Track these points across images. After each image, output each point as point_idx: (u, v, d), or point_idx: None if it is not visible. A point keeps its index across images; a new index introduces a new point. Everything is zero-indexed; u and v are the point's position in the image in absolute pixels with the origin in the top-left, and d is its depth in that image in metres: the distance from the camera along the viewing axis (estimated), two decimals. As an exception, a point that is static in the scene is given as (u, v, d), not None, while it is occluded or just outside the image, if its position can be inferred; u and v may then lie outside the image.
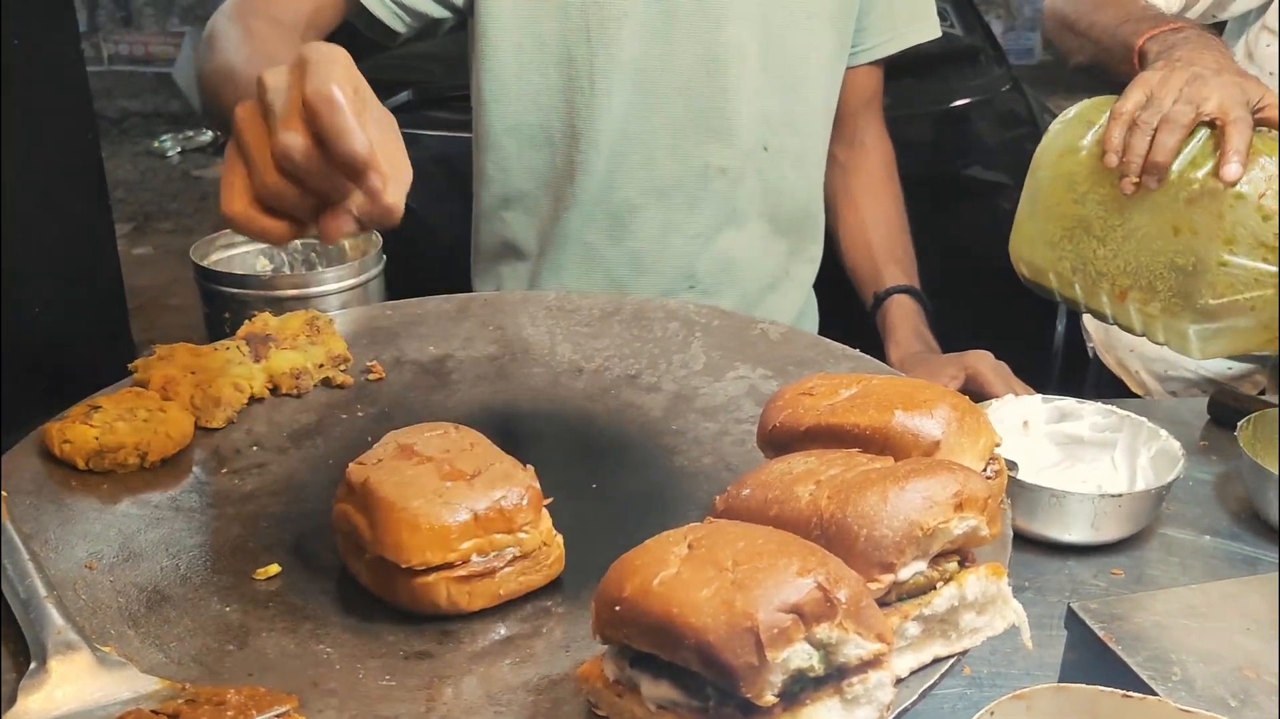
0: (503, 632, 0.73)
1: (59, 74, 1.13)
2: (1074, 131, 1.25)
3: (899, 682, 0.62)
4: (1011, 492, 1.09)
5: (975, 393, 1.29)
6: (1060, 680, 0.89)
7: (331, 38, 1.16)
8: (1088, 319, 1.75)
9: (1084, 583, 1.06)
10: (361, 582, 0.76)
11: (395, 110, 2.58)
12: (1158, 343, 1.21)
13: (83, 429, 0.88)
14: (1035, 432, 1.23)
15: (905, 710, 0.60)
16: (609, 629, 0.60)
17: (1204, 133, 1.15)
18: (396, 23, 1.22)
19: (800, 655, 0.55)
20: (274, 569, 0.79)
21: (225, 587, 0.77)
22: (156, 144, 6.51)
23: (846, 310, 1.52)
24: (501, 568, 0.73)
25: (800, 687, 0.56)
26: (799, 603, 0.54)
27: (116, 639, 0.70)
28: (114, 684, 0.63)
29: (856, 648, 0.56)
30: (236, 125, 0.69)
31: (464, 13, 1.27)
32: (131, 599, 0.74)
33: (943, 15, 3.14)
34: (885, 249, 1.49)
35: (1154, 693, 0.78)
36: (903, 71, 2.84)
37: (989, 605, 0.65)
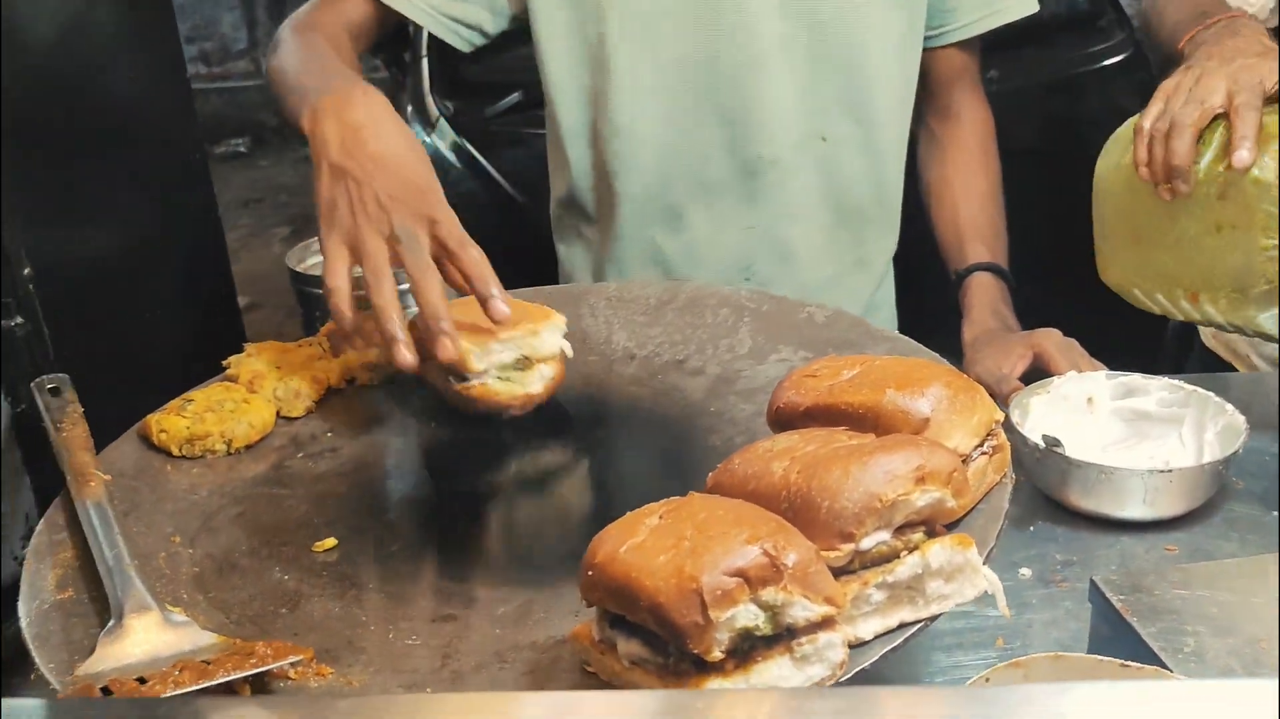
0: (525, 597, 0.80)
1: (168, 104, 1.26)
2: (1117, 151, 1.26)
3: (863, 644, 0.65)
4: (1060, 470, 1.10)
5: (1042, 371, 1.28)
6: (1089, 652, 0.90)
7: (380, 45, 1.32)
8: None
9: (1134, 558, 1.06)
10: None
11: (506, 112, 2.70)
12: (1247, 334, 1.20)
13: (176, 420, 1.00)
14: (1100, 408, 1.22)
15: (862, 670, 0.64)
16: (588, 592, 0.66)
17: (1222, 126, 1.14)
18: (459, 41, 1.30)
19: (746, 615, 0.59)
20: (331, 543, 0.88)
21: (287, 558, 0.86)
22: (313, 150, 6.86)
23: (937, 288, 1.52)
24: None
25: (751, 645, 0.61)
26: (744, 568, 0.59)
27: (187, 602, 0.80)
28: (178, 639, 0.73)
29: (804, 610, 0.60)
30: (356, 236, 0.97)
31: (521, 21, 1.34)
32: (205, 568, 0.85)
33: (1062, -21, 3.04)
34: (971, 225, 1.48)
35: (1162, 664, 0.79)
36: (1023, 40, 2.77)
37: (957, 574, 0.67)
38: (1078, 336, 1.34)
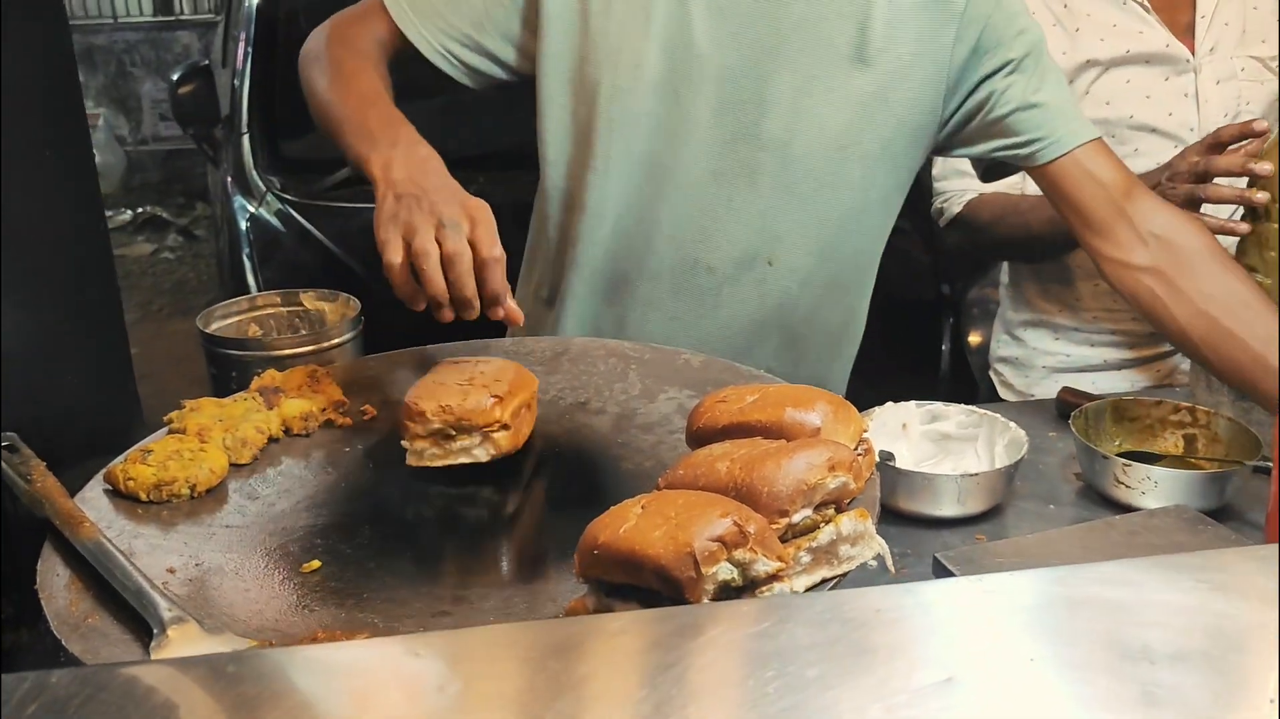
0: (505, 594, 0.96)
1: (66, 156, 1.34)
2: None
3: (795, 594, 0.86)
4: (891, 478, 1.36)
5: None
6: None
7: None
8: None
9: (953, 546, 1.32)
10: None
11: (337, 186, 2.80)
12: None
13: (142, 468, 1.09)
14: (912, 432, 1.49)
15: (803, 613, 0.84)
16: (589, 569, 0.83)
17: None
18: (465, 79, 1.44)
19: (725, 570, 0.78)
20: (316, 564, 1.00)
21: (281, 579, 0.98)
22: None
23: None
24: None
25: (726, 595, 0.79)
26: (722, 535, 0.78)
27: (208, 618, 0.90)
28: (220, 644, 0.84)
29: (764, 565, 0.80)
30: (409, 223, 1.13)
31: (527, 77, 1.46)
32: (211, 589, 0.95)
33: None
34: None
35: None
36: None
37: (860, 539, 0.89)
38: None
